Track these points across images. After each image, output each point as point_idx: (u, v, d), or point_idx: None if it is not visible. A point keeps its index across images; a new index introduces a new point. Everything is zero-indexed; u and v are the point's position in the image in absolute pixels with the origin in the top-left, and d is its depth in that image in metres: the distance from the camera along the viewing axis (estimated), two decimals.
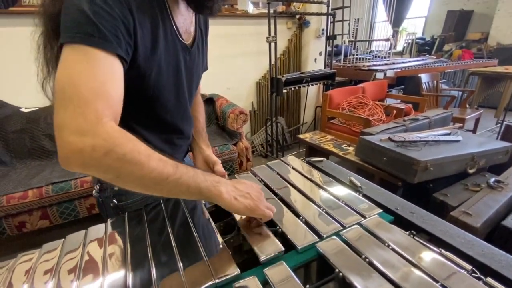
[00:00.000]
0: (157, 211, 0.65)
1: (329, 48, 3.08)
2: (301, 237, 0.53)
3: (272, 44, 2.43)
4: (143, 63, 0.51)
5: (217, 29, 2.58)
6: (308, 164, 0.87)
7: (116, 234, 0.59)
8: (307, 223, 0.57)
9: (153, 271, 0.48)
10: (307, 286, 0.44)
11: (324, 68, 3.07)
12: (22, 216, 1.55)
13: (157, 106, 0.61)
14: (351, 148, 1.91)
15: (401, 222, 0.59)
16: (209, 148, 0.81)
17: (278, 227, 0.56)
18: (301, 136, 2.28)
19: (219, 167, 0.76)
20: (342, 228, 0.56)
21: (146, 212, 0.64)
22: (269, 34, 2.38)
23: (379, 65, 3.61)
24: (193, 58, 0.65)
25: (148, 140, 0.64)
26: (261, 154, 3.03)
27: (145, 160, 0.41)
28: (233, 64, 2.77)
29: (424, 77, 3.02)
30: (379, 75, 3.16)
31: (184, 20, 0.60)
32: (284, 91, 2.46)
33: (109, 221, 0.63)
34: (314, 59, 3.11)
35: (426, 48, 6.14)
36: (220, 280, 0.45)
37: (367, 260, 0.47)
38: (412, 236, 0.52)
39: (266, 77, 2.91)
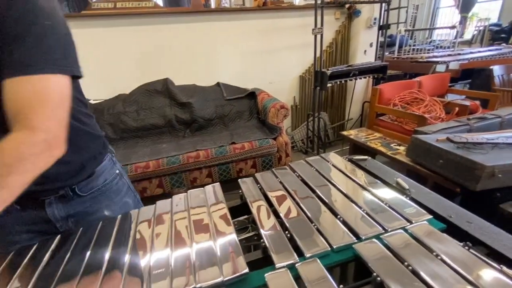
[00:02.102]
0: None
1: (381, 39, 2.85)
2: (338, 237, 0.51)
3: (318, 36, 2.34)
4: None
5: (261, 23, 2.58)
6: (350, 162, 0.83)
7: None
8: (345, 223, 0.55)
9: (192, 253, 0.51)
10: (341, 286, 0.42)
11: (375, 60, 2.86)
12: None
13: None
14: (401, 148, 1.76)
15: (454, 232, 0.53)
16: None
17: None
18: (345, 132, 2.18)
19: None
20: (383, 231, 0.52)
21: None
22: (315, 25, 2.29)
23: (441, 56, 3.23)
24: None
25: None
26: (301, 150, 2.98)
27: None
28: (277, 58, 2.75)
29: (497, 70, 2.62)
30: (440, 68, 2.83)
31: None
32: (329, 85, 2.35)
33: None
34: (364, 51, 2.91)
35: (503, 36, 5.23)
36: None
37: (410, 268, 0.43)
38: (467, 248, 0.47)
39: (311, 71, 2.83)
